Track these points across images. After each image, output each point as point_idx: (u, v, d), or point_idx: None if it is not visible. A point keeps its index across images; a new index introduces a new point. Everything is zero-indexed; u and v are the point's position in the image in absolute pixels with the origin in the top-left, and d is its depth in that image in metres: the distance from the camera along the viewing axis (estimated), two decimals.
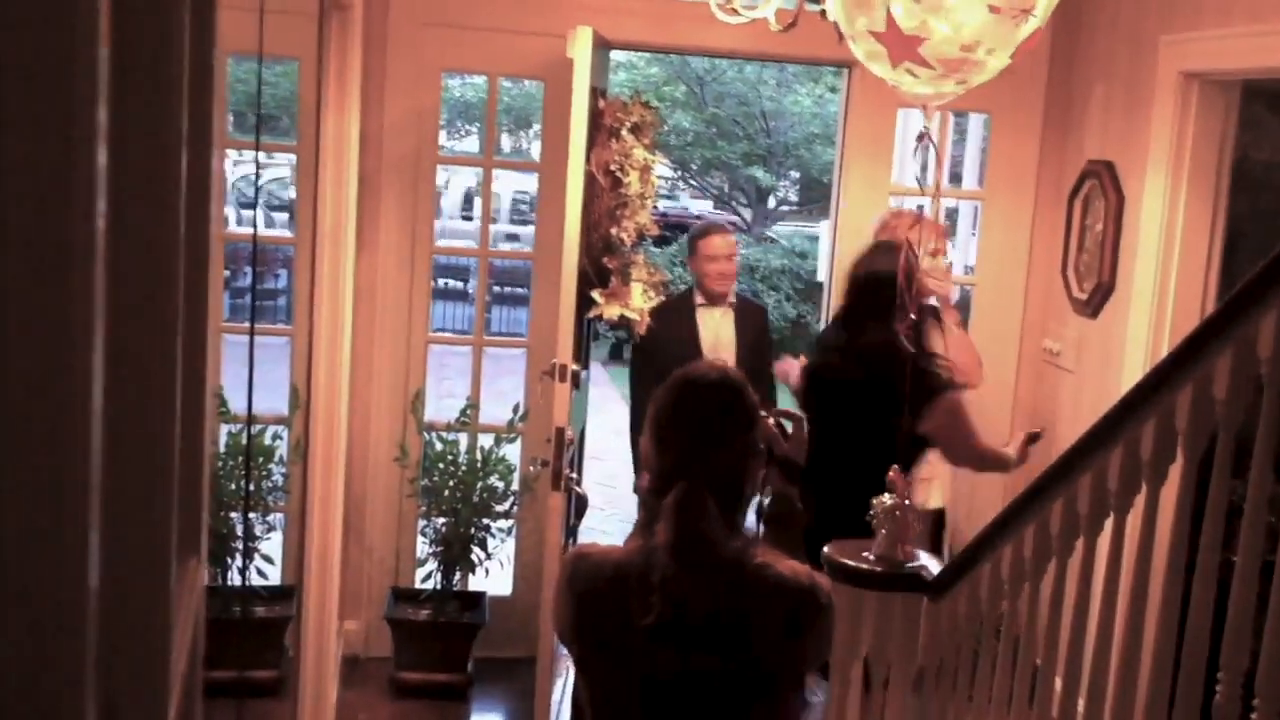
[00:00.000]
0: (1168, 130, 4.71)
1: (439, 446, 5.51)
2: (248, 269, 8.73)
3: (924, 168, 4.85)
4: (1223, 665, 2.15)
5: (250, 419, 4.74)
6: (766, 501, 2.52)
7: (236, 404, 5.39)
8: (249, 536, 5.32)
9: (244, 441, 5.36)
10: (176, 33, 1.03)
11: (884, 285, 3.81)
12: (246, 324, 6.95)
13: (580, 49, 4.58)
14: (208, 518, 1.26)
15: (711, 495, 2.23)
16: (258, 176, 4.40)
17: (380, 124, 5.41)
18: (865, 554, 3.32)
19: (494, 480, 5.47)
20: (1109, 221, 5.08)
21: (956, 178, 7.18)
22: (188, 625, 1.18)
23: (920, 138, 3.23)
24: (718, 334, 5.41)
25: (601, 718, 2.36)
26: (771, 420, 2.55)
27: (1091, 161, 5.27)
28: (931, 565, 3.29)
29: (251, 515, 5.35)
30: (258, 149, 3.65)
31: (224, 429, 5.39)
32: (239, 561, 5.34)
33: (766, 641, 2.23)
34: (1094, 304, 5.17)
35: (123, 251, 0.92)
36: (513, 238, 14.41)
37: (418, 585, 5.63)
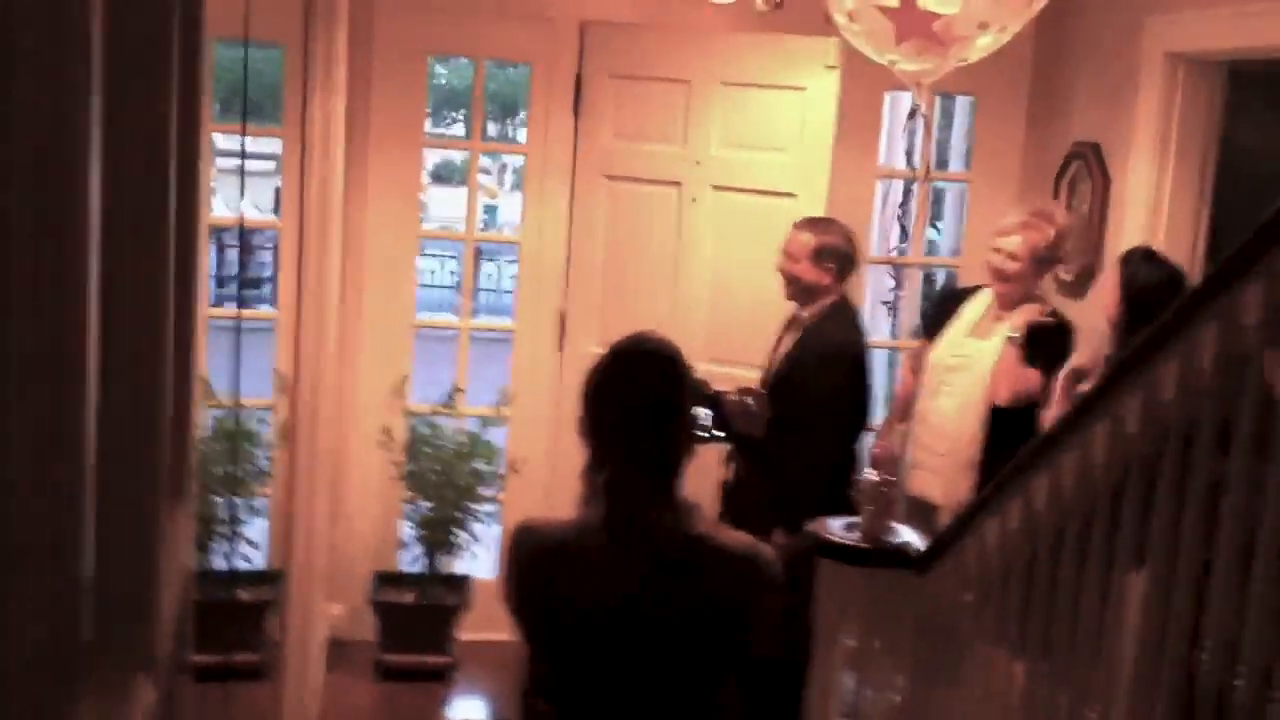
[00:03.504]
0: (1154, 112, 4.71)
1: (424, 430, 5.50)
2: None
3: (910, 150, 4.85)
4: (1205, 634, 2.15)
5: (237, 403, 4.71)
6: (729, 475, 2.53)
7: (221, 387, 5.37)
8: (234, 520, 5.30)
9: (231, 425, 5.35)
10: (166, 21, 1.02)
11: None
12: (232, 308, 6.92)
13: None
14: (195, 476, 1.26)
15: (645, 469, 2.23)
16: (243, 161, 4.33)
17: (367, 108, 5.39)
18: (849, 530, 3.32)
19: (479, 464, 5.46)
20: (1095, 203, 5.08)
21: (943, 162, 7.17)
22: (177, 559, 1.18)
23: (912, 114, 3.22)
24: None
25: (549, 690, 2.35)
26: (732, 397, 2.55)
27: (1078, 143, 5.26)
28: (916, 541, 3.29)
29: (236, 499, 5.33)
30: (244, 133, 3.63)
31: (210, 414, 5.38)
32: (224, 545, 5.33)
33: (708, 611, 2.22)
34: (1080, 286, 5.17)
35: (115, 232, 0.91)
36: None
37: (402, 568, 5.63)
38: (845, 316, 4.70)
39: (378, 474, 5.56)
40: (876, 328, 6.11)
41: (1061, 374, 4.26)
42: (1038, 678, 2.71)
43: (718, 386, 2.52)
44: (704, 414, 2.48)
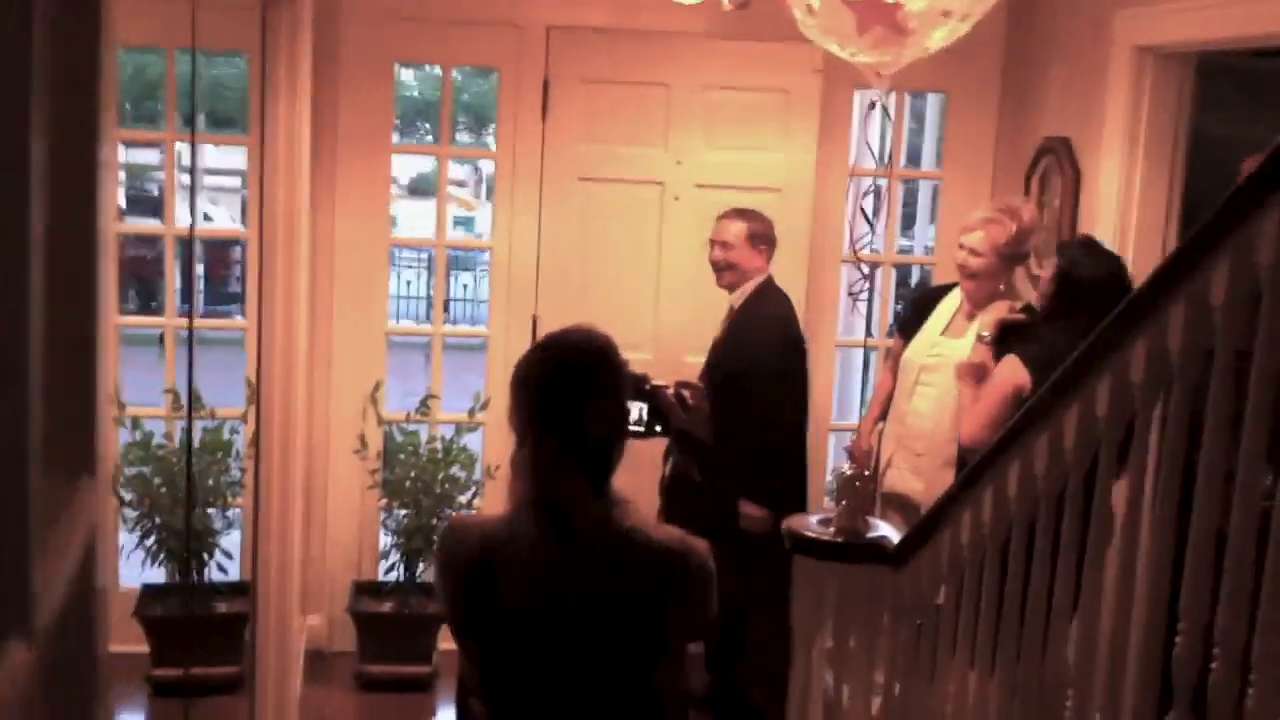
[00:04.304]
0: (1123, 105, 4.72)
1: (399, 438, 5.47)
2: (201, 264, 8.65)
3: (871, 143, 4.87)
4: (1182, 615, 2.14)
5: (190, 413, 4.68)
6: (666, 471, 2.51)
7: (209, 401, 5.35)
8: (205, 534, 5.26)
9: (222, 438, 5.32)
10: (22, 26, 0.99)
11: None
12: (211, 320, 6.90)
13: None
14: (106, 444, 1.24)
15: (570, 459, 2.20)
16: (194, 170, 4.41)
17: (334, 116, 5.37)
18: (825, 526, 3.30)
19: (456, 470, 5.43)
20: (1066, 198, 5.08)
21: (915, 159, 7.17)
22: (76, 532, 1.16)
23: (872, 106, 3.21)
24: None
25: (484, 690, 2.32)
26: (671, 390, 2.52)
27: (1048, 138, 5.27)
28: (892, 535, 3.27)
29: (210, 511, 5.29)
30: (194, 142, 3.64)
31: (198, 425, 5.35)
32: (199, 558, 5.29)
33: (636, 607, 2.19)
34: None
35: None
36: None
37: (381, 578, 5.58)
38: (777, 293, 5.04)
39: (354, 483, 5.53)
40: (847, 323, 6.15)
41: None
42: (1012, 668, 2.69)
43: (656, 381, 2.49)
44: (640, 408, 2.46)
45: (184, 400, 4.59)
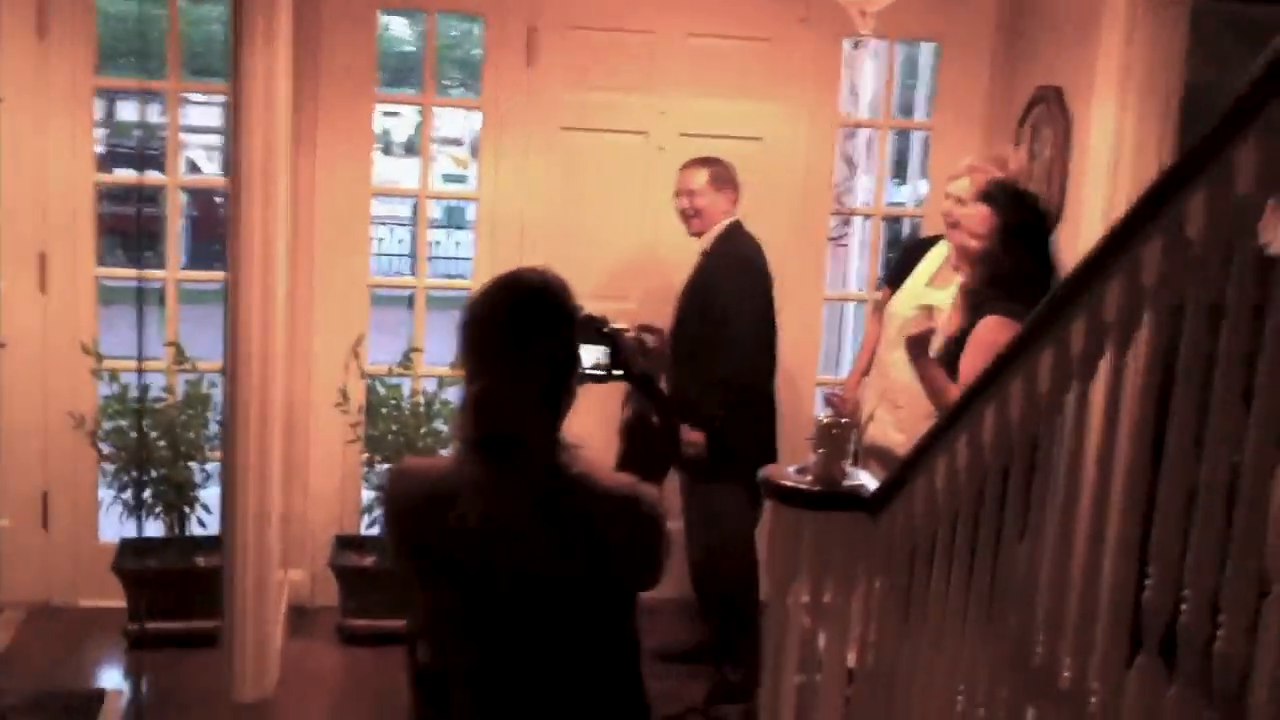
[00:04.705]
0: (1115, 53, 4.63)
1: (381, 391, 5.41)
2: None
3: (868, 89, 4.79)
4: (1152, 559, 2.09)
5: (140, 367, 4.64)
6: (626, 415, 2.44)
7: (194, 354, 5.32)
8: (186, 487, 5.22)
9: (201, 391, 5.28)
10: None
11: None
12: (204, 272, 6.85)
13: None
14: None
15: (517, 398, 2.13)
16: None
17: (315, 65, 5.30)
18: (803, 475, 3.24)
19: (439, 424, 5.37)
20: (1057, 147, 5.00)
21: (909, 111, 7.09)
22: None
23: (856, 45, 3.14)
24: None
25: (431, 640, 2.28)
26: (630, 334, 2.45)
27: (1040, 87, 5.19)
28: (869, 484, 3.21)
29: (191, 464, 5.25)
30: (149, 89, 3.56)
31: (180, 378, 5.34)
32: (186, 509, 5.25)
33: (584, 554, 2.12)
34: None
35: None
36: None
37: (363, 532, 5.54)
38: (743, 235, 5.07)
39: (336, 437, 5.47)
40: (834, 276, 6.13)
41: None
42: (986, 610, 2.64)
43: (616, 324, 2.42)
44: (600, 351, 2.39)
45: (137, 352, 4.54)
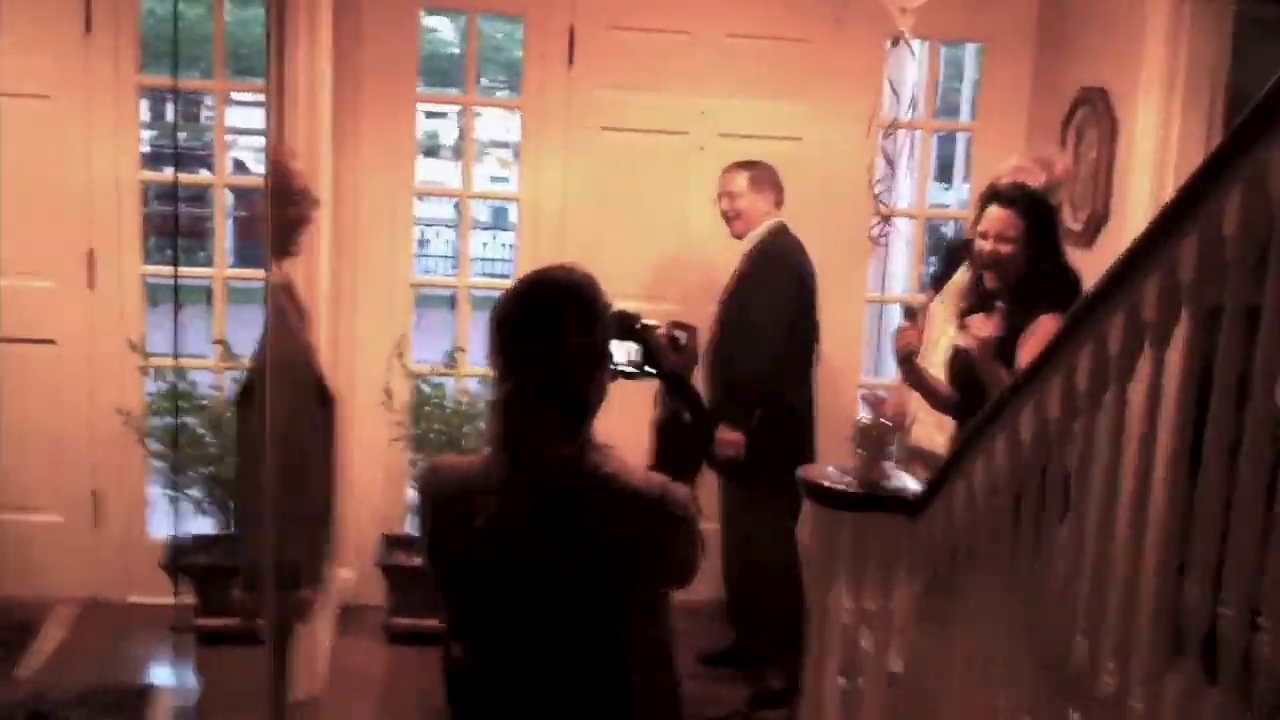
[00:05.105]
0: (1161, 54, 4.60)
1: (426, 390, 5.45)
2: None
3: (908, 89, 4.78)
4: (1192, 564, 2.09)
5: (176, 362, 4.66)
6: (657, 414, 2.42)
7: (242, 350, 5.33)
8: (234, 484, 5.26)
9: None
10: None
11: None
12: (251, 270, 6.88)
13: None
14: None
15: (546, 397, 2.13)
16: (176, 118, 4.41)
17: (357, 65, 5.34)
18: (844, 475, 3.25)
19: (481, 423, 5.40)
20: (1102, 149, 4.97)
21: (952, 111, 7.07)
22: None
23: (895, 42, 3.14)
24: None
25: (461, 633, 2.28)
26: (662, 331, 2.44)
27: (1084, 89, 5.16)
28: (911, 486, 3.21)
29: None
30: (175, 88, 3.59)
31: (228, 376, 5.38)
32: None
33: (613, 554, 2.12)
34: (1089, 234, 5.06)
35: None
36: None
37: (410, 531, 5.58)
38: (787, 235, 5.09)
39: (381, 436, 5.51)
40: (878, 279, 6.11)
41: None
42: (1027, 611, 2.64)
43: (648, 321, 2.42)
44: (631, 349, 2.39)
45: (173, 347, 4.58)
